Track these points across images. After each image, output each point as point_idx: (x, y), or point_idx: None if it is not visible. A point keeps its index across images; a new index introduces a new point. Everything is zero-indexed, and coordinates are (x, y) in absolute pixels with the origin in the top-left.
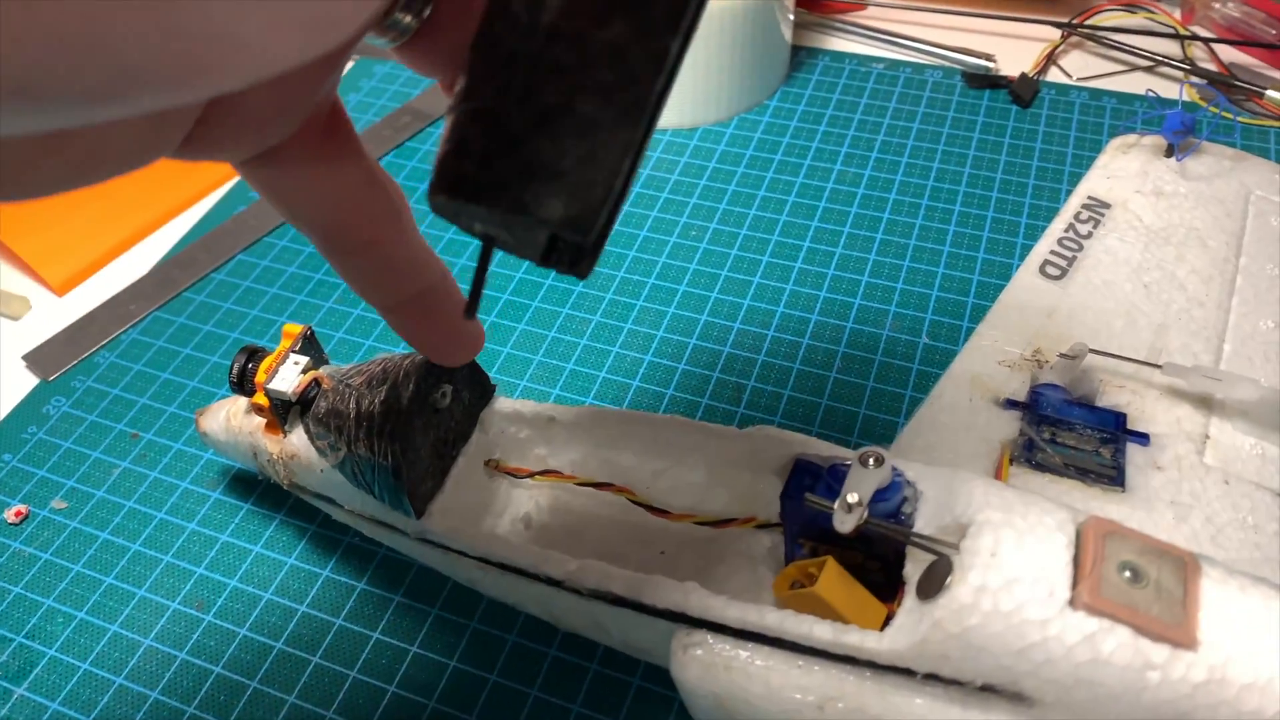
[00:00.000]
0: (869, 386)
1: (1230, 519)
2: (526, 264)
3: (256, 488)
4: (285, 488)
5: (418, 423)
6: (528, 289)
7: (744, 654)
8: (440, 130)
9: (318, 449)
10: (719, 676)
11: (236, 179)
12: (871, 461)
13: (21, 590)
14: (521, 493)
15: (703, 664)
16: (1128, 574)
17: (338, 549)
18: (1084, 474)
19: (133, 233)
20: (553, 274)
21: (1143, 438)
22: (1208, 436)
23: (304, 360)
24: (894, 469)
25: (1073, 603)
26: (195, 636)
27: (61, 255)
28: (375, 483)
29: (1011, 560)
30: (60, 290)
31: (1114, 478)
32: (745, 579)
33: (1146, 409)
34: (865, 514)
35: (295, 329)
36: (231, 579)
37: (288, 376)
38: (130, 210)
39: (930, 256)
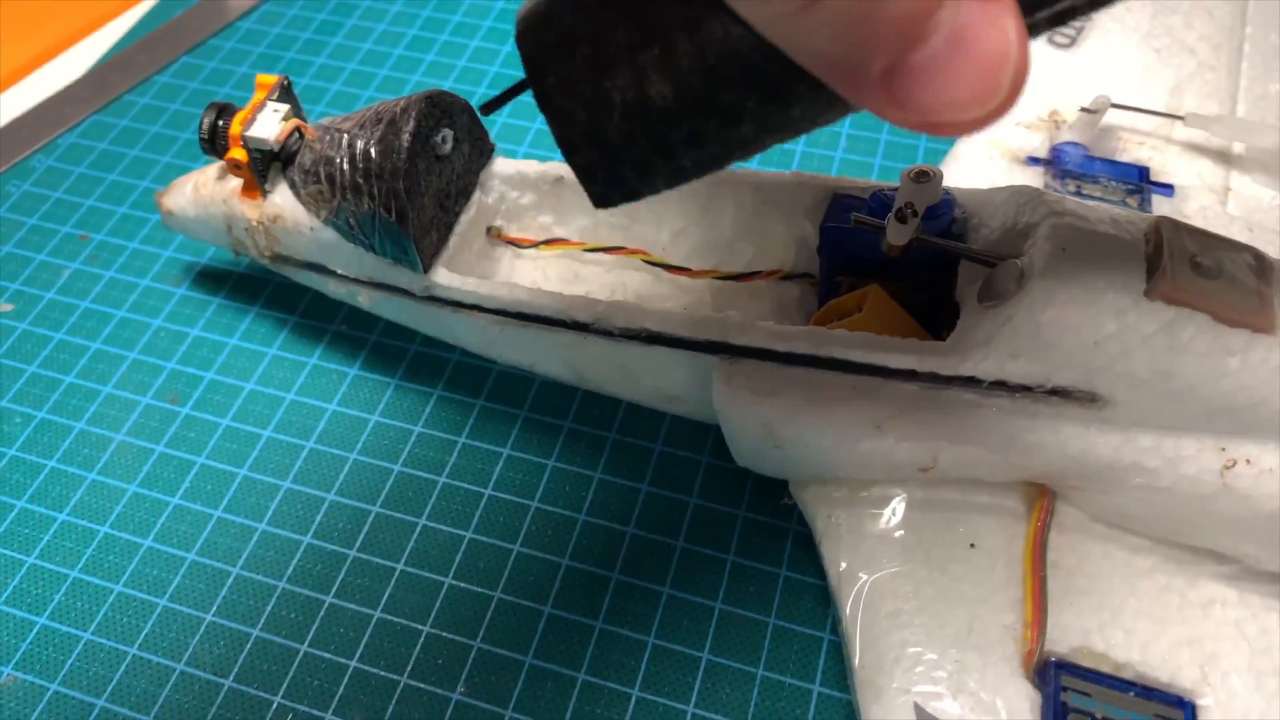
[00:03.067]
0: (882, 140)
1: None
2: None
3: (227, 281)
4: (266, 262)
5: (420, 164)
6: None
7: (794, 378)
8: None
9: (305, 204)
10: (766, 404)
11: None
12: (922, 177)
13: None
14: (526, 264)
15: (749, 392)
16: (1200, 266)
17: (323, 338)
18: None
19: (59, 39)
20: None
21: (1167, 189)
22: (1229, 189)
23: (284, 108)
24: (944, 188)
25: (1149, 294)
26: (173, 429)
27: None
28: (375, 233)
29: (1084, 253)
30: None
31: None
32: None
33: (1168, 164)
34: (920, 225)
35: (269, 79)
36: (208, 371)
37: (268, 123)
38: (55, 15)
39: None
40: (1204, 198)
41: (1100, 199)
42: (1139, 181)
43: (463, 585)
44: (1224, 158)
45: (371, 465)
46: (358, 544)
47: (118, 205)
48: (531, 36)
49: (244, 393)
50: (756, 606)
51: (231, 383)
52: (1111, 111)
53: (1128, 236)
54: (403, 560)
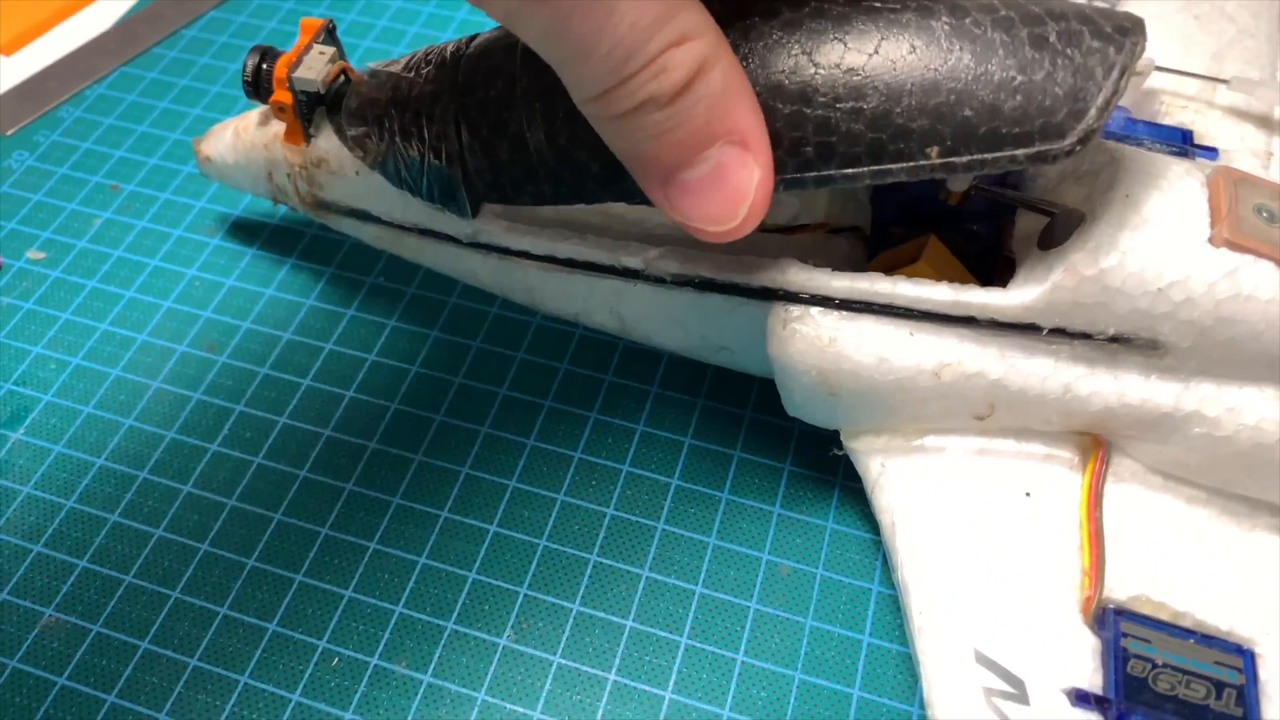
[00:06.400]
0: None
1: None
2: None
3: (262, 232)
4: (307, 209)
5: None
6: None
7: (851, 324)
8: None
9: (350, 148)
10: (824, 350)
11: None
12: None
13: (3, 339)
14: None
15: (806, 338)
16: (1264, 215)
17: (360, 290)
18: None
19: None
20: None
21: (1211, 152)
22: (1271, 154)
23: (330, 50)
24: None
25: (1212, 240)
26: (210, 377)
27: (7, 12)
28: (424, 177)
29: (1147, 201)
30: (8, 49)
31: None
32: None
33: (1210, 128)
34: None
35: (314, 22)
36: (244, 321)
37: (314, 66)
38: None
39: None
40: (1247, 161)
41: None
42: (1182, 144)
43: (506, 532)
44: (1266, 123)
45: (413, 415)
46: (400, 492)
47: (148, 156)
48: (471, 61)
49: (281, 342)
50: (804, 558)
51: (268, 332)
52: (1154, 75)
53: (1190, 184)
54: (446, 508)
